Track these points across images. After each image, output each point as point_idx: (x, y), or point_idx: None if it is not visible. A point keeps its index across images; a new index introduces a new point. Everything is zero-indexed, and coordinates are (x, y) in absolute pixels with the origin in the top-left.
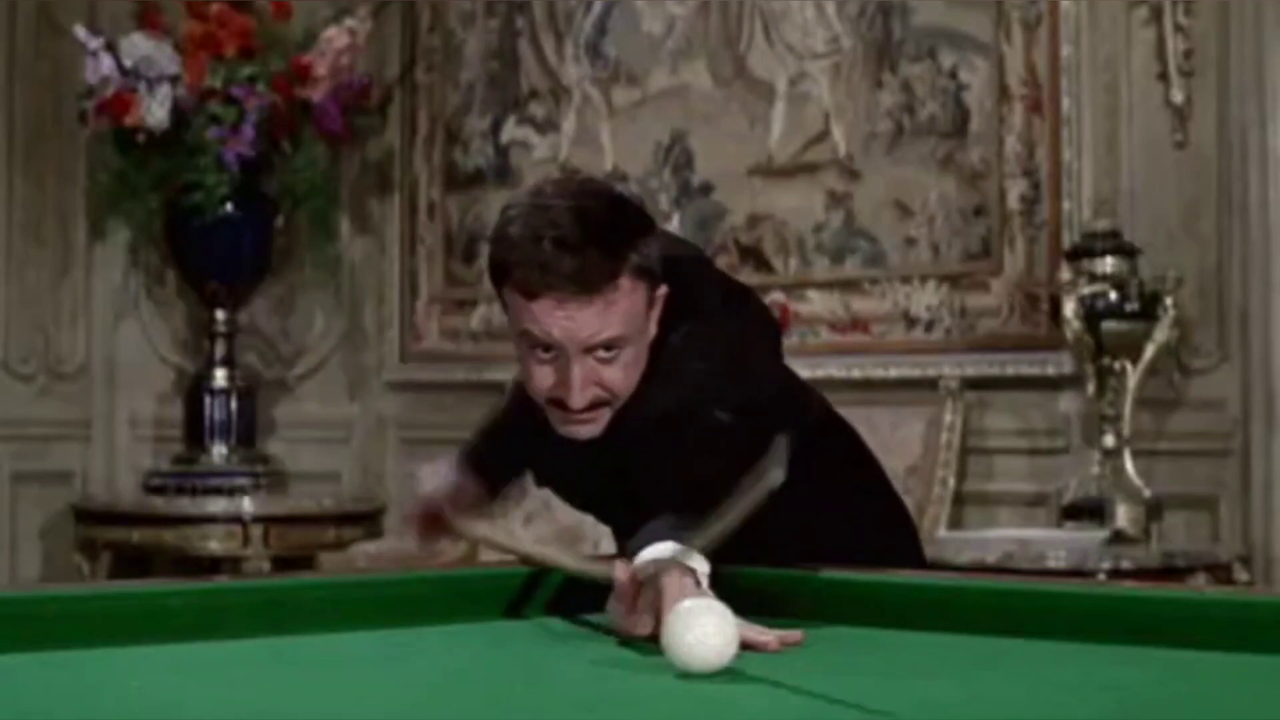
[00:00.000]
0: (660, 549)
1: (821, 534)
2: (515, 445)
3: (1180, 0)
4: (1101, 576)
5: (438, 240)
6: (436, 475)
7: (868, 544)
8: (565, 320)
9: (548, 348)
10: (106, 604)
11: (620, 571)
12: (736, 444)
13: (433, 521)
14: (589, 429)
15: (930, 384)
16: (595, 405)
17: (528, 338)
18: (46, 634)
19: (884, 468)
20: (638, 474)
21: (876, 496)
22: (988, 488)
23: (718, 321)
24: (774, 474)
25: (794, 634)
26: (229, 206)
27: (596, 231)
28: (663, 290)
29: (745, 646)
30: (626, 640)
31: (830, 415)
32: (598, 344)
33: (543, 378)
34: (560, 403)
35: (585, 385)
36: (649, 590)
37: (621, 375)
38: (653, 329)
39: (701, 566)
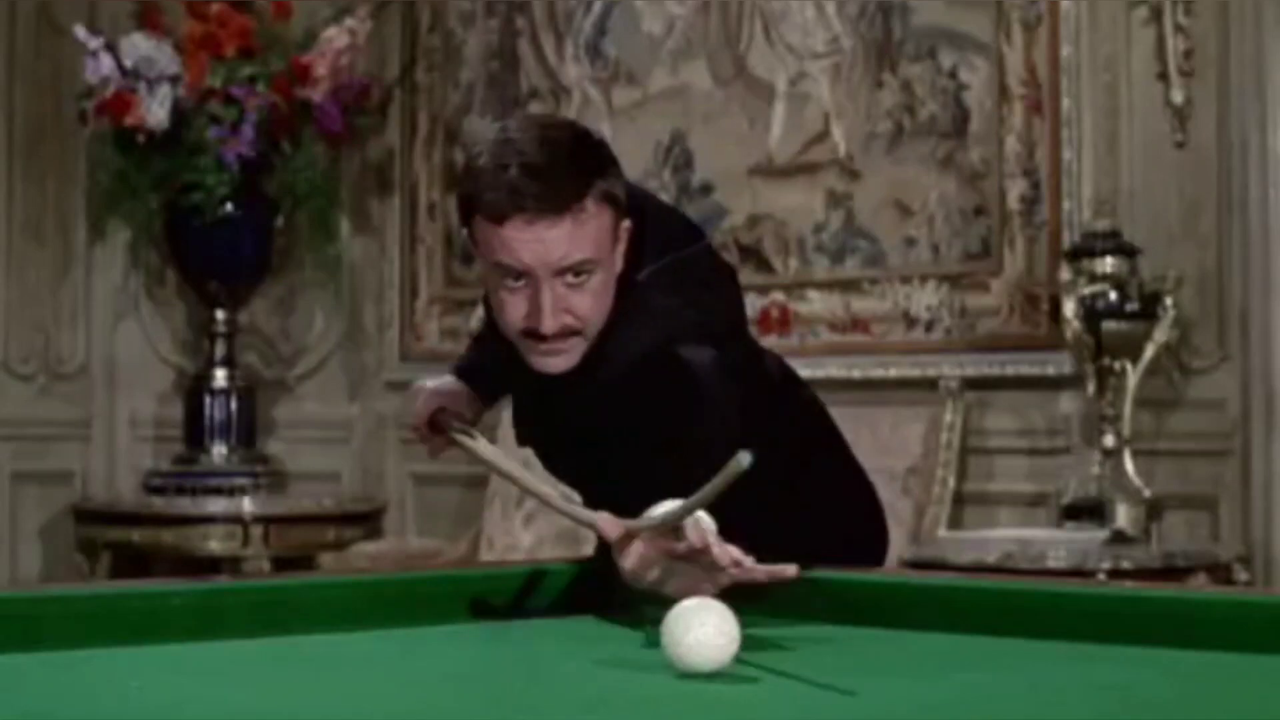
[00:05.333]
0: (663, 505)
1: (784, 511)
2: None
3: (1180, 0)
4: (1101, 576)
5: (438, 240)
6: (431, 385)
7: (832, 521)
8: (534, 242)
9: (518, 275)
10: (106, 604)
11: (607, 526)
12: (713, 394)
13: (434, 427)
14: (561, 360)
15: (930, 384)
16: (566, 334)
17: (499, 268)
18: (46, 634)
19: (848, 442)
20: (612, 423)
21: (841, 467)
22: (988, 488)
23: (683, 257)
24: (741, 456)
25: (788, 569)
26: (229, 206)
27: (562, 156)
28: (627, 224)
29: (736, 588)
30: (625, 641)
31: (791, 379)
32: (567, 266)
33: (514, 307)
34: (532, 332)
35: (556, 310)
36: (654, 535)
37: (591, 302)
38: (619, 262)
39: (707, 522)
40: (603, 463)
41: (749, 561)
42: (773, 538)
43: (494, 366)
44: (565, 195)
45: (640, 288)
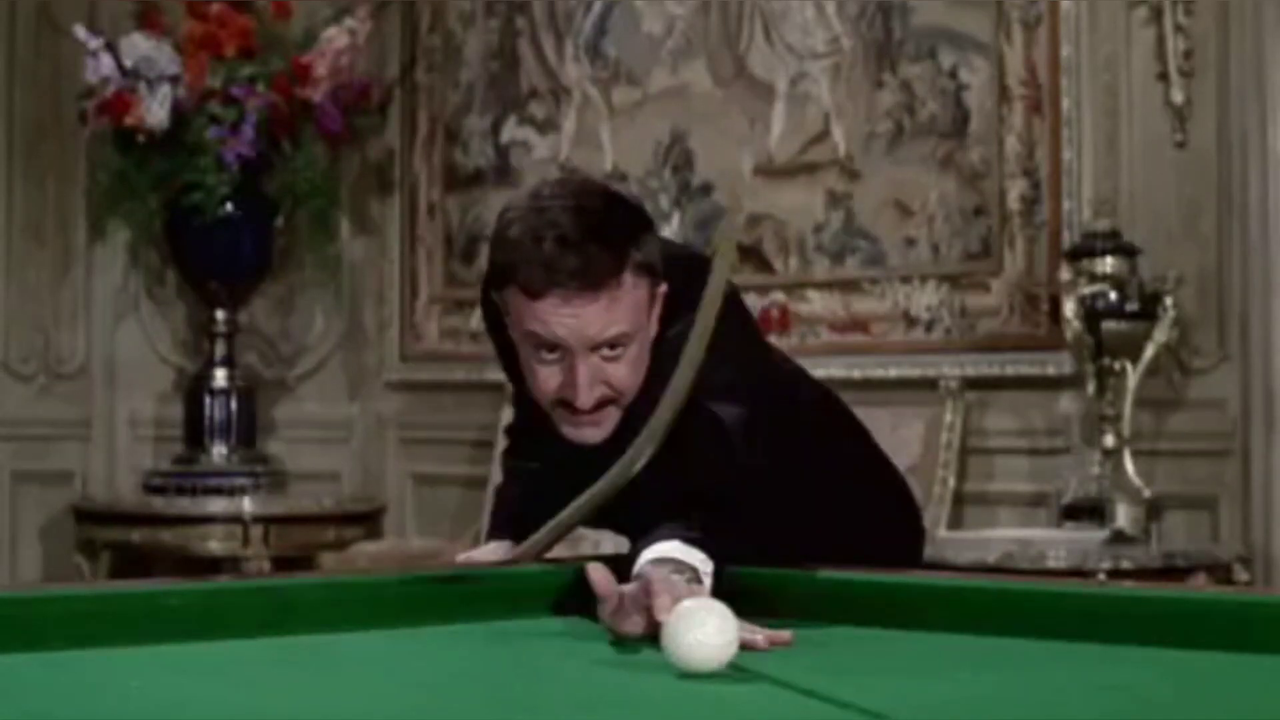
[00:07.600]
0: (661, 548)
1: (821, 522)
2: (534, 460)
3: (1180, 0)
4: (1101, 576)
5: (438, 240)
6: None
7: (866, 533)
8: (571, 318)
9: (553, 348)
10: (106, 604)
11: (595, 573)
12: (734, 442)
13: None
14: (596, 432)
15: (930, 384)
16: (602, 404)
17: (532, 339)
18: (46, 634)
19: (889, 457)
20: (644, 478)
21: (878, 485)
22: (988, 488)
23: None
24: (644, 449)
25: (783, 634)
26: (229, 206)
27: (596, 229)
28: (663, 288)
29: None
30: (625, 640)
31: (832, 405)
32: (604, 341)
33: (548, 379)
34: (567, 404)
35: (592, 384)
36: (636, 589)
37: (626, 373)
38: (654, 327)
39: (704, 565)
40: (636, 510)
41: (745, 633)
42: (807, 547)
43: (532, 498)
44: (602, 271)
45: (670, 348)
